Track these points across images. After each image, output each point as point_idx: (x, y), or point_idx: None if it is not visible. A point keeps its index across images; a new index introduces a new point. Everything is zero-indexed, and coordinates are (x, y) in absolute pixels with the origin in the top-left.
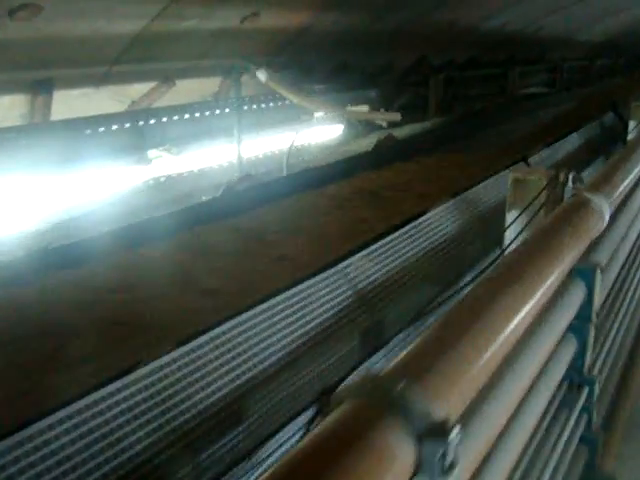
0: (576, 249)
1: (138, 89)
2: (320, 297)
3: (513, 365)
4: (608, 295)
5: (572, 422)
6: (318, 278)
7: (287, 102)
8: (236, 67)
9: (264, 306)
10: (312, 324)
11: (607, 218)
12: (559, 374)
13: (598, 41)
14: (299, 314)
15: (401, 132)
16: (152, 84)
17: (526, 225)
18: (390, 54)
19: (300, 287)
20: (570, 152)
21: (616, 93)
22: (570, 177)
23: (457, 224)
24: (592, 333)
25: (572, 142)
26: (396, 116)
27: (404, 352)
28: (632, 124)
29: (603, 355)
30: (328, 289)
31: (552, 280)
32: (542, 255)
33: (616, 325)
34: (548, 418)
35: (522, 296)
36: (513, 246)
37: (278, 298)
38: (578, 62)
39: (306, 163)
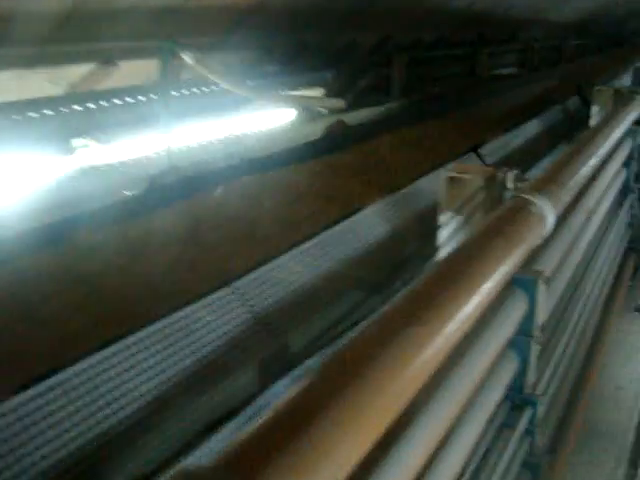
0: (514, 257)
1: (78, 71)
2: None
3: (436, 393)
4: (556, 308)
5: (513, 447)
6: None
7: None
8: (166, 48)
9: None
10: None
11: (551, 222)
12: (497, 396)
13: (570, 21)
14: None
15: (357, 117)
16: (92, 66)
17: (458, 230)
18: (352, 33)
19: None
20: (528, 140)
21: (585, 75)
22: (510, 176)
23: (385, 227)
24: (535, 349)
25: (531, 129)
26: (339, 103)
27: (249, 426)
28: (595, 109)
29: (549, 373)
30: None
31: (485, 292)
32: (474, 264)
33: (564, 340)
34: (485, 444)
35: (449, 311)
36: (443, 253)
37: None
38: (549, 42)
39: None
